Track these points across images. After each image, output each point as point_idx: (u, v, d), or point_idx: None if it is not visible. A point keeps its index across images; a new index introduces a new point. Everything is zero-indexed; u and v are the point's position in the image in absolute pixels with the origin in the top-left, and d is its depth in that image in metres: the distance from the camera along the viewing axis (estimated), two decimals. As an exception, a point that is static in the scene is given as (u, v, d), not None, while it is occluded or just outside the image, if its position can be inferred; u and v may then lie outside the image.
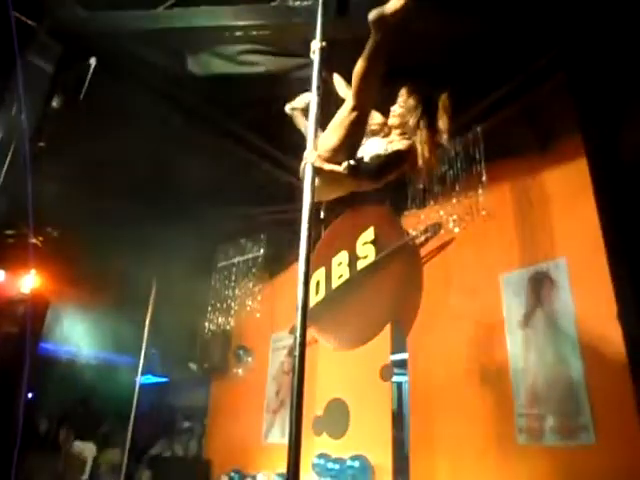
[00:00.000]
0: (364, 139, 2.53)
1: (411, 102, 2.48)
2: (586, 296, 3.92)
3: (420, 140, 2.39)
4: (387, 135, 2.54)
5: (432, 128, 2.42)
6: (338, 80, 2.80)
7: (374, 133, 2.57)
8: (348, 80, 2.57)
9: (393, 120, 2.53)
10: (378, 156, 2.41)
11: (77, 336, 7.82)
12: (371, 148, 2.47)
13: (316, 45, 2.55)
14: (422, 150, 2.39)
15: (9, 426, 5.24)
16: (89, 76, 3.59)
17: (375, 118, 2.61)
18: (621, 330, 3.36)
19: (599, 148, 3.63)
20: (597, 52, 3.46)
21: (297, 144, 2.62)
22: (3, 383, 5.27)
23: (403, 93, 2.53)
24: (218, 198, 5.50)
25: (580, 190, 3.93)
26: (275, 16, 3.50)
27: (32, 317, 5.68)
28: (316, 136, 2.37)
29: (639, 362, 3.21)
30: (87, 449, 7.23)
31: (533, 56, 3.76)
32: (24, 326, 5.58)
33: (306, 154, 2.31)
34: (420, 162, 2.41)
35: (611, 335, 3.48)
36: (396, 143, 2.48)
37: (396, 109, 2.54)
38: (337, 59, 2.70)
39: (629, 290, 3.25)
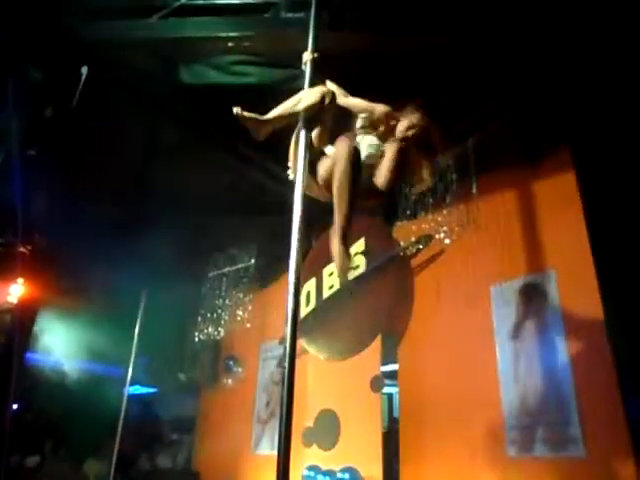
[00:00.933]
0: (361, 134, 2.54)
1: (425, 121, 2.49)
2: (575, 308, 3.94)
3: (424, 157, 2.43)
4: (383, 134, 2.53)
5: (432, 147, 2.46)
6: (333, 87, 2.78)
7: (372, 126, 2.56)
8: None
9: (401, 134, 2.51)
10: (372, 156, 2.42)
11: (65, 346, 7.73)
12: (368, 144, 2.47)
13: (308, 57, 2.57)
14: (426, 167, 2.43)
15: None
16: (81, 85, 3.58)
17: (378, 109, 2.59)
18: (609, 342, 3.39)
19: (587, 161, 3.68)
20: (585, 67, 3.51)
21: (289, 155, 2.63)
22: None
23: (413, 113, 2.52)
24: (209, 208, 5.49)
25: (569, 202, 3.98)
26: (268, 27, 3.53)
27: (19, 327, 5.61)
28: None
29: (628, 374, 3.24)
30: (31, 462, 7.09)
31: (523, 70, 3.81)
32: (11, 336, 5.51)
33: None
34: (422, 176, 2.43)
35: (600, 347, 3.50)
36: (390, 146, 2.48)
37: (405, 125, 2.52)
38: (329, 71, 2.72)
39: (617, 302, 3.28)
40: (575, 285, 3.95)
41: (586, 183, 3.70)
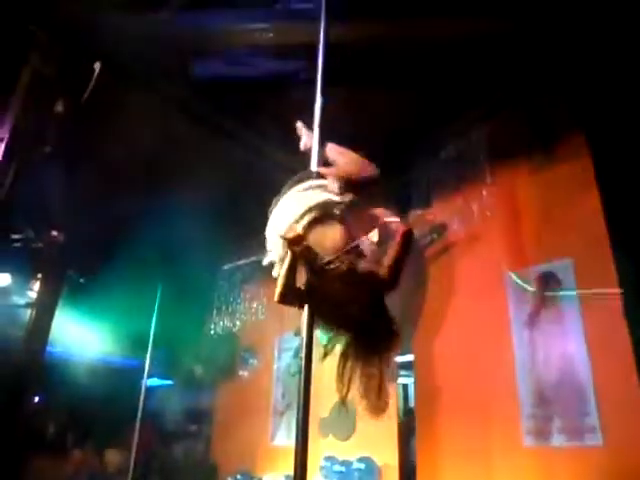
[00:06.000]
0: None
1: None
2: (593, 296, 3.90)
3: None
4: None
5: None
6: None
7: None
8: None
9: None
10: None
11: (84, 340, 7.85)
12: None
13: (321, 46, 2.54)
14: None
15: (16, 431, 5.25)
16: (93, 80, 3.60)
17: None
18: (628, 329, 3.35)
19: (603, 146, 3.62)
20: (599, 50, 3.45)
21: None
22: (10, 388, 5.28)
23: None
24: (223, 200, 5.51)
25: (585, 189, 3.92)
26: (277, 19, 3.51)
27: (38, 321, 5.69)
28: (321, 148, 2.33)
29: (647, 362, 3.20)
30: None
31: (538, 55, 3.76)
32: (30, 330, 5.60)
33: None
34: None
35: (618, 335, 3.46)
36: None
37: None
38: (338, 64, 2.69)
39: (635, 289, 3.24)
40: (592, 273, 3.91)
41: (603, 168, 3.64)
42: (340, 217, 2.25)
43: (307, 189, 2.24)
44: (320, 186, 2.27)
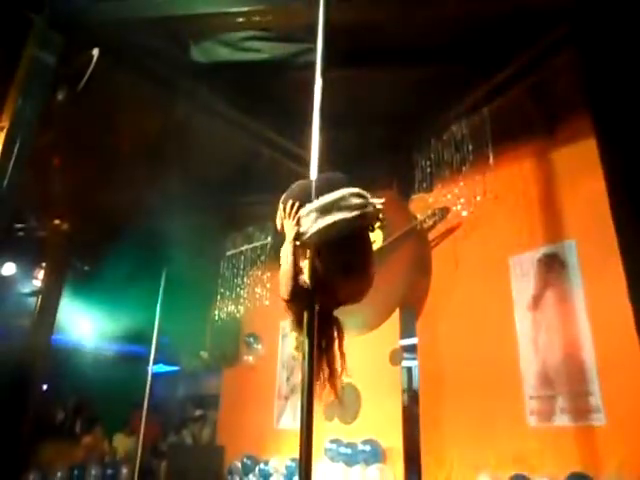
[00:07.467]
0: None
1: None
2: (596, 277, 3.89)
3: None
4: None
5: None
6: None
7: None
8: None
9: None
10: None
11: (88, 327, 7.91)
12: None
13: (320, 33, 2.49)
14: None
15: (24, 418, 5.32)
16: (91, 67, 3.57)
17: None
18: (632, 310, 3.34)
19: (608, 127, 3.58)
20: (608, 26, 3.39)
21: (303, 132, 2.60)
22: (17, 376, 5.34)
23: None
24: (225, 187, 5.50)
25: (589, 171, 3.89)
26: (277, 0, 3.46)
27: (44, 309, 5.74)
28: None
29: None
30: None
31: (540, 33, 3.70)
32: (37, 319, 5.65)
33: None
34: None
35: (621, 316, 3.46)
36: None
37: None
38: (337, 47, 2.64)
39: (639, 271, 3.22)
40: (595, 254, 3.89)
41: (607, 149, 3.61)
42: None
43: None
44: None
